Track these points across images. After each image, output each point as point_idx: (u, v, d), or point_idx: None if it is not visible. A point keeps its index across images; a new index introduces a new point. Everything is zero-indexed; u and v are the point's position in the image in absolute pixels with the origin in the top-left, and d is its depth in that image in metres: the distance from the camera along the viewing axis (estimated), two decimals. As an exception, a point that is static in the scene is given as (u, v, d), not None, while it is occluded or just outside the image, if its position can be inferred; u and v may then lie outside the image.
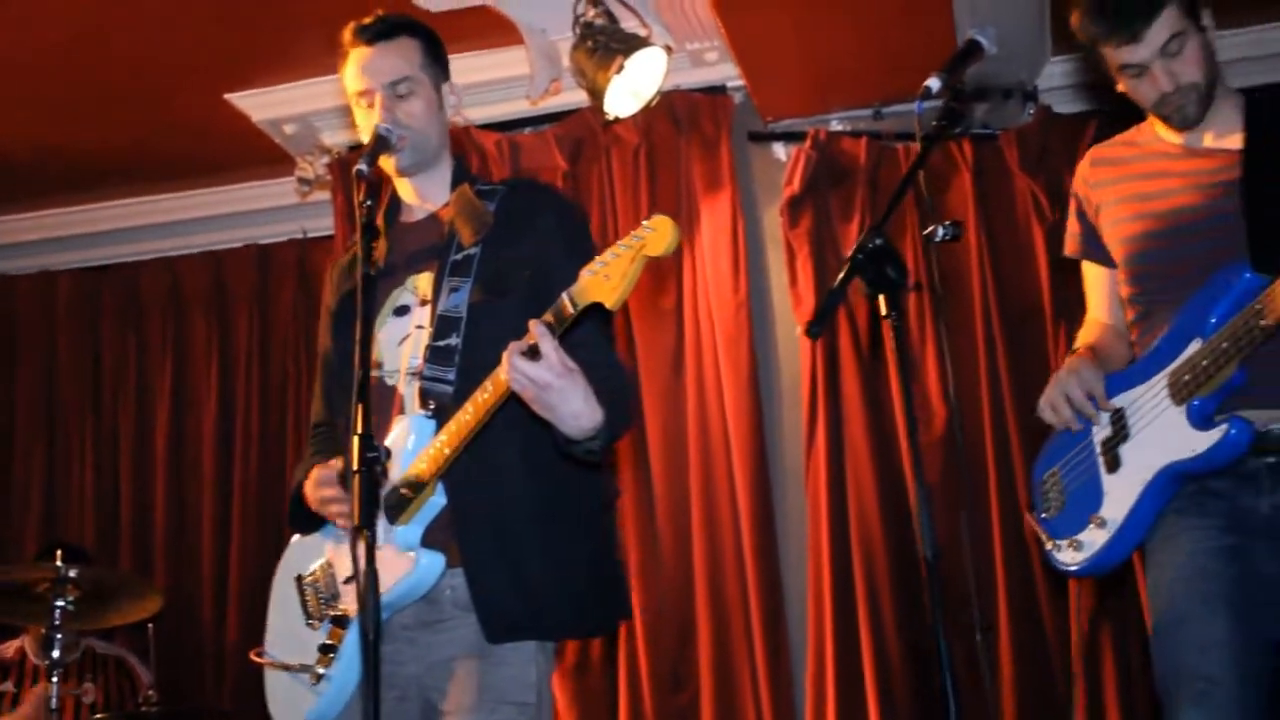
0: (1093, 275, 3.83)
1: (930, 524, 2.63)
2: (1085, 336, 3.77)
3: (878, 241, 2.77)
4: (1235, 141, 3.46)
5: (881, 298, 2.78)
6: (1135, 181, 3.61)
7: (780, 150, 6.33)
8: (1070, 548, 3.53)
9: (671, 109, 6.26)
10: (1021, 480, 5.56)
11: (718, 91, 6.33)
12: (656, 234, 2.75)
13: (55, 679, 5.03)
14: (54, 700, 5.01)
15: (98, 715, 5.66)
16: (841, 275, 2.81)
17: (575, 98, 6.32)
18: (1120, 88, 3.56)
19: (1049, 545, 3.60)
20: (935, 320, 5.86)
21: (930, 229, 2.99)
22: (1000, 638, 5.52)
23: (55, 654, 5.06)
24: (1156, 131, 3.63)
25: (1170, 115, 3.48)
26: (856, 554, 5.68)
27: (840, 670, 5.58)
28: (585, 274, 2.81)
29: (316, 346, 3.65)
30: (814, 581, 5.73)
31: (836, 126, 6.26)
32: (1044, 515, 3.68)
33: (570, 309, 2.83)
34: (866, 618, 5.59)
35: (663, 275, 6.16)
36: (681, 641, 5.85)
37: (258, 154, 7.01)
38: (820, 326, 2.95)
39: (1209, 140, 3.52)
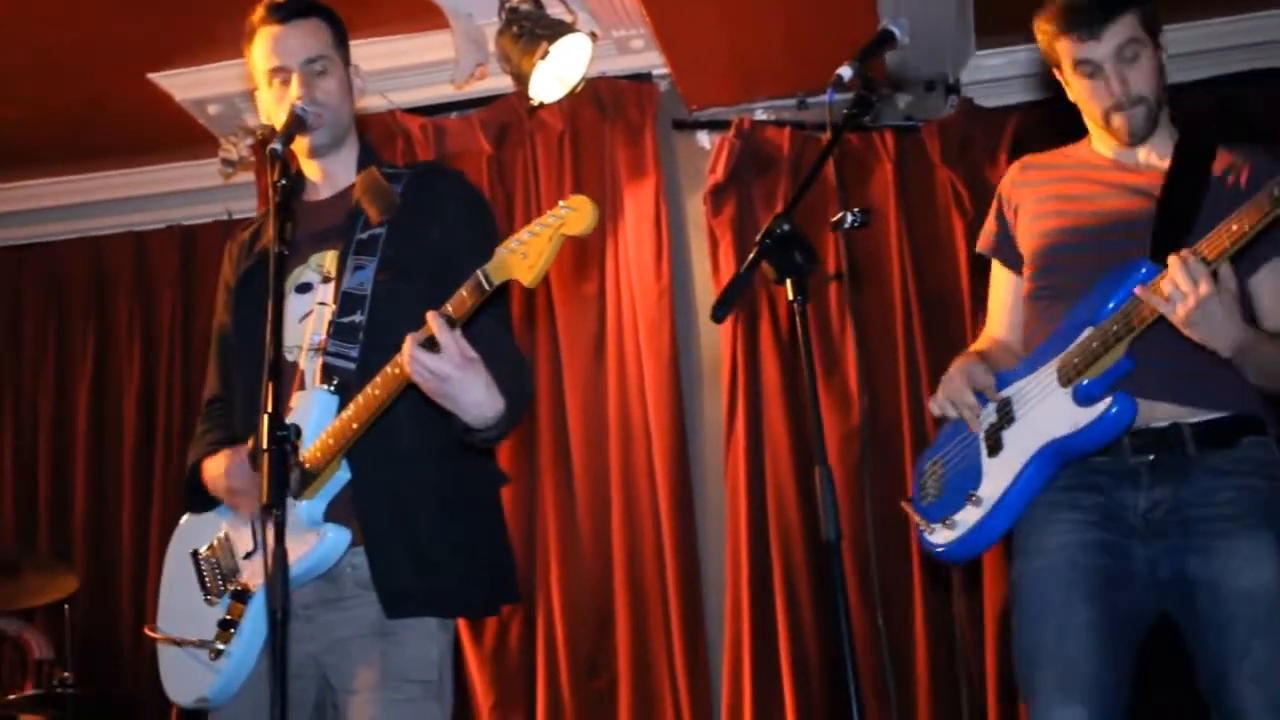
0: (999, 279, 3.85)
1: (834, 504, 2.67)
2: (977, 346, 3.80)
3: (785, 227, 2.81)
4: (1163, 163, 3.49)
5: (789, 282, 2.81)
6: (1061, 184, 3.65)
7: (704, 139, 6.35)
8: (944, 527, 3.55)
9: (597, 96, 6.26)
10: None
11: (643, 79, 6.33)
12: (576, 213, 2.77)
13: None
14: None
15: (11, 696, 5.64)
16: (749, 259, 2.84)
17: (501, 83, 6.29)
18: (1071, 93, 3.59)
19: (923, 528, 3.63)
20: (854, 311, 5.90)
21: (839, 215, 3.01)
22: (915, 623, 5.57)
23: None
24: (1091, 146, 3.66)
25: (1118, 125, 3.51)
26: (774, 543, 5.72)
27: (756, 658, 5.62)
28: (502, 251, 2.83)
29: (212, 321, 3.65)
30: (732, 570, 5.77)
31: (761, 116, 6.27)
32: (920, 502, 3.71)
33: (486, 285, 2.85)
34: (783, 607, 5.63)
35: (586, 261, 6.17)
36: (600, 628, 5.87)
37: (182, 134, 6.94)
38: (725, 309, 2.99)
39: (1141, 157, 3.55)
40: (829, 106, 3.10)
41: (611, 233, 6.16)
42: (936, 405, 3.63)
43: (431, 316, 2.84)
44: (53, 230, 7.70)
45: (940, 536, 3.57)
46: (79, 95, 6.57)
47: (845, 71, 3.16)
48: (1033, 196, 3.69)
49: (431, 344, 2.83)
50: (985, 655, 5.49)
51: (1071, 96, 3.60)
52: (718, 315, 3.01)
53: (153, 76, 6.49)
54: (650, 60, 6.28)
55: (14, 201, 7.66)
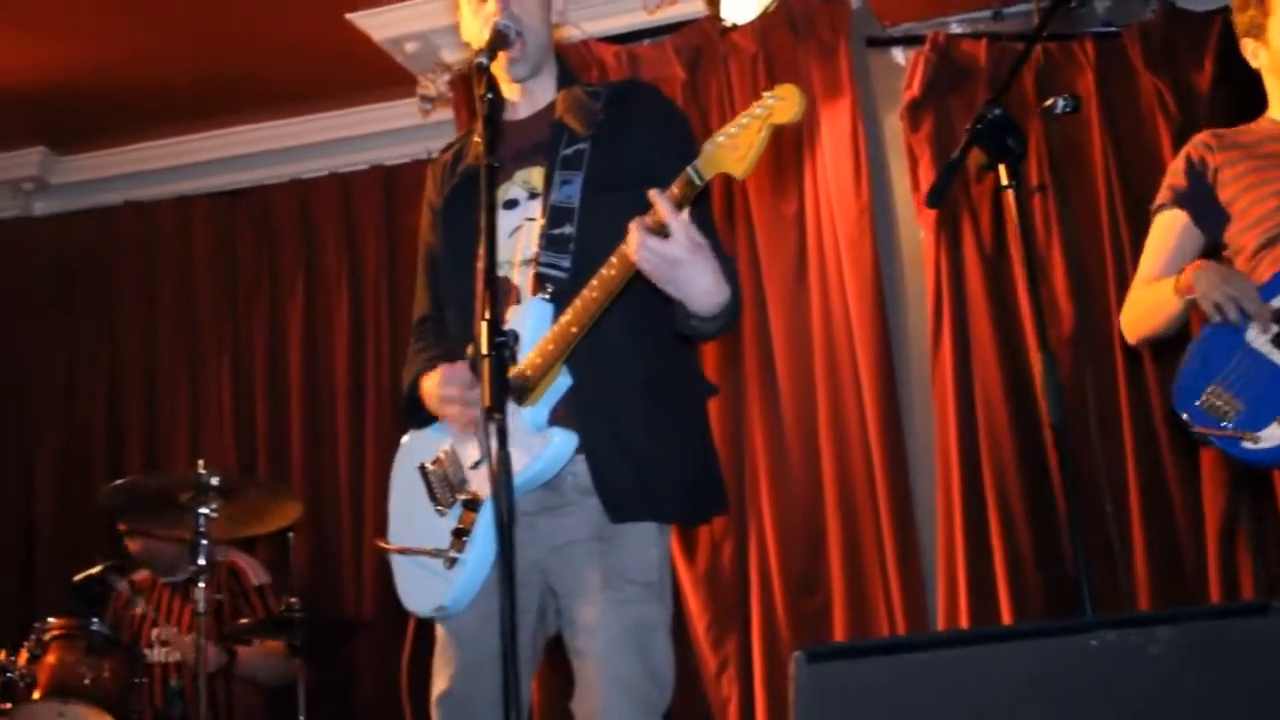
0: (1174, 225, 3.88)
1: (1057, 389, 2.64)
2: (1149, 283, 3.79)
3: (996, 111, 2.79)
4: None
5: (1001, 167, 2.79)
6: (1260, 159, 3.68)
7: (899, 55, 6.30)
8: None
9: (789, 16, 6.23)
10: (1150, 373, 5.55)
11: (835, -3, 6.30)
12: (783, 102, 2.77)
13: (202, 584, 5.14)
14: (201, 604, 5.14)
15: (243, 621, 5.81)
16: (961, 145, 2.83)
17: (692, 8, 6.32)
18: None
19: (1246, 441, 3.58)
20: (1060, 222, 5.82)
21: (1050, 101, 2.98)
22: (1131, 520, 5.51)
23: (201, 561, 5.16)
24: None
25: None
26: (984, 453, 5.69)
27: (971, 567, 5.60)
28: (708, 146, 2.84)
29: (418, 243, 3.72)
30: (942, 482, 5.75)
31: (956, 29, 6.20)
32: (1224, 424, 3.67)
33: (697, 180, 2.86)
34: (995, 511, 5.60)
35: (784, 182, 6.17)
36: (812, 546, 5.90)
37: (381, 74, 7.07)
38: (940, 196, 2.98)
39: None
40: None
41: (809, 153, 6.15)
42: (1211, 302, 3.59)
43: (657, 198, 2.83)
44: (261, 175, 7.91)
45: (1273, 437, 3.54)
46: (282, 39, 6.73)
47: (1044, -42, 3.12)
48: (1234, 169, 3.73)
49: (661, 230, 2.84)
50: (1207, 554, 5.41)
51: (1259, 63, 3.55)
52: (932, 201, 3.02)
53: (351, 17, 6.62)
54: (842, -23, 6.24)
55: (223, 148, 7.90)
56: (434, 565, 3.33)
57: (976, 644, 2.15)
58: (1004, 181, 2.81)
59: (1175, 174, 3.84)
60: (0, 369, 8.00)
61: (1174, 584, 5.42)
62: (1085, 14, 6.00)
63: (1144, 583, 5.43)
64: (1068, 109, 2.94)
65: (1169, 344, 3.94)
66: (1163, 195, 3.86)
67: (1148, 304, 3.89)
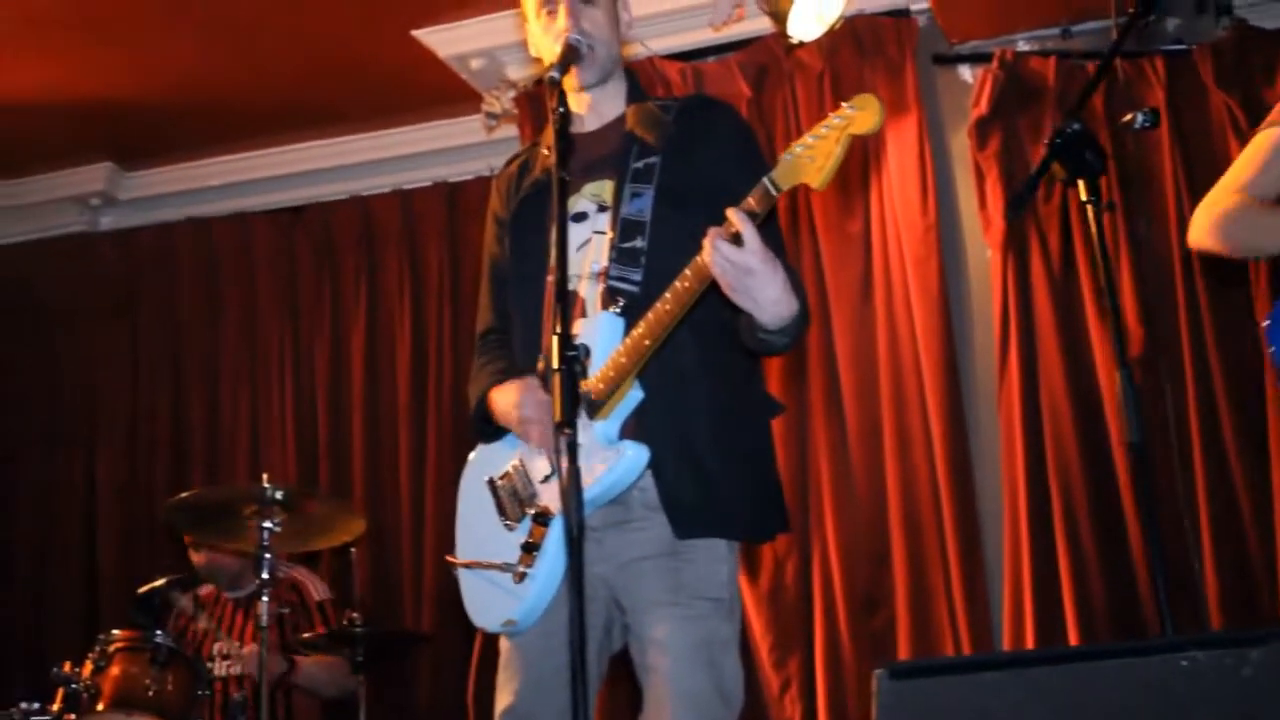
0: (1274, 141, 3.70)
1: (1137, 409, 2.60)
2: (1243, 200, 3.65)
3: (1075, 126, 2.76)
4: None
5: (1080, 183, 2.76)
6: None
7: (966, 72, 6.26)
8: None
9: (855, 34, 6.21)
10: (1221, 391, 5.51)
11: (901, 15, 6.27)
12: (863, 112, 2.75)
13: (265, 598, 5.15)
14: (264, 618, 5.14)
15: (305, 635, 5.81)
16: (1042, 159, 2.80)
17: (758, 25, 6.31)
18: None
19: None
20: (1130, 240, 5.76)
21: (1129, 116, 2.95)
22: (1203, 540, 5.43)
23: (264, 575, 5.18)
24: None
25: None
26: (1051, 469, 5.63)
27: (1038, 587, 5.53)
28: (786, 157, 2.82)
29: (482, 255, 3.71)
30: (1009, 499, 5.69)
31: (1023, 47, 6.16)
32: None
33: (774, 191, 2.85)
34: (1063, 530, 5.54)
35: (850, 200, 6.15)
36: (876, 563, 5.85)
37: (445, 91, 7.09)
38: (1019, 210, 2.95)
39: None
40: (1112, 6, 3.01)
41: (875, 170, 6.12)
42: None
43: (733, 212, 2.83)
44: (324, 191, 7.94)
45: None
46: (346, 57, 6.77)
47: (1132, -30, 3.08)
48: None
49: (735, 239, 2.83)
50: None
51: None
52: (1012, 213, 2.99)
53: (416, 34, 6.64)
54: (909, -6, 6.22)
55: (286, 165, 7.94)
56: (503, 580, 3.32)
57: (1063, 663, 2.12)
58: (1083, 197, 2.77)
59: None
60: (65, 382, 8.07)
61: (1246, 605, 5.34)
62: (1156, 32, 5.95)
63: (1215, 602, 5.35)
64: (1146, 124, 2.90)
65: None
66: (1269, 119, 3.73)
67: (1258, 225, 3.70)
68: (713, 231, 2.86)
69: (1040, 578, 5.55)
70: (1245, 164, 3.74)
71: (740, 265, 2.84)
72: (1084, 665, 2.09)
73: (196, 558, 6.10)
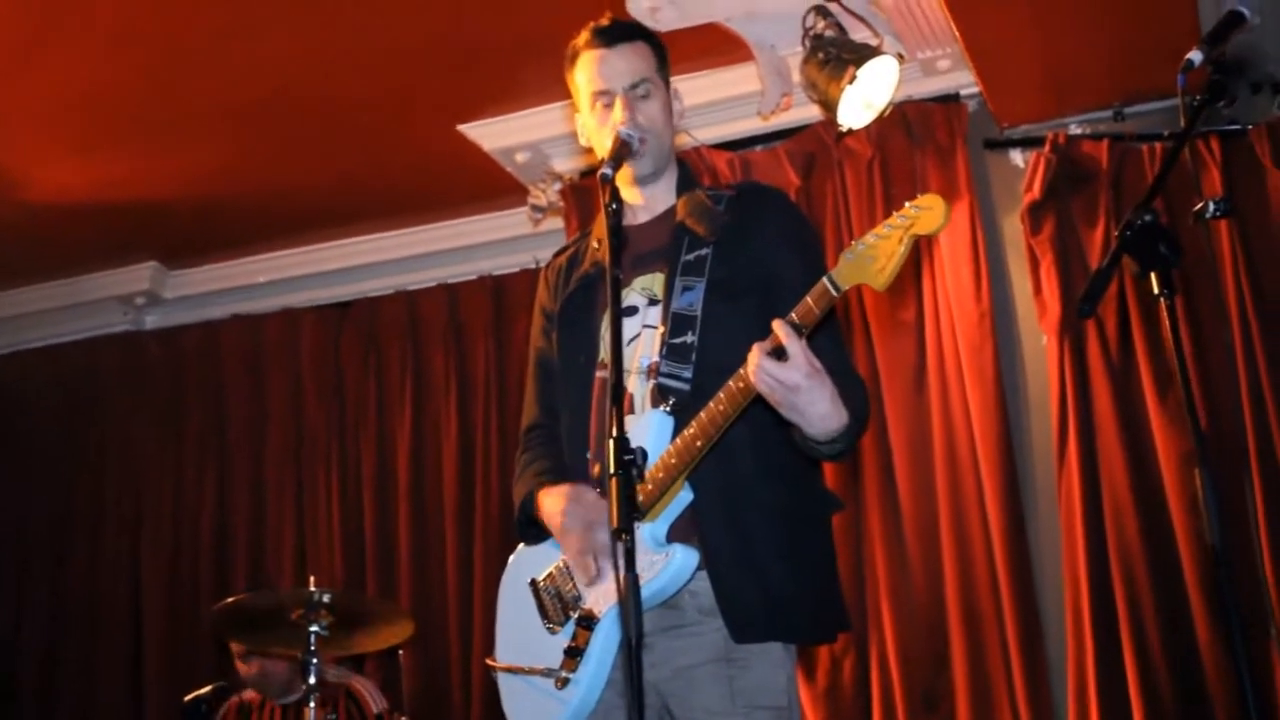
0: None
1: (1218, 509, 2.48)
2: None
3: (1147, 218, 2.68)
4: None
5: (1154, 276, 2.67)
6: None
7: (1018, 156, 6.20)
8: None
9: (904, 119, 6.16)
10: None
11: (951, 100, 6.22)
12: (928, 212, 2.68)
13: (313, 704, 5.05)
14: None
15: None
16: (1112, 252, 2.71)
17: (806, 113, 6.28)
18: None
19: None
20: (1190, 326, 5.65)
21: (1200, 204, 2.85)
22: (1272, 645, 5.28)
23: (311, 680, 5.09)
24: None
25: None
26: (1115, 567, 5.49)
27: (1103, 688, 5.38)
28: (847, 256, 2.74)
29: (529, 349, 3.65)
30: (1071, 596, 5.55)
31: (1075, 130, 6.10)
32: None
33: (834, 292, 2.76)
34: (1128, 632, 5.39)
35: (903, 287, 6.06)
36: (935, 660, 5.72)
37: (490, 185, 7.08)
38: (1092, 305, 2.85)
39: None
40: (1180, 90, 2.93)
41: (927, 257, 6.04)
42: None
43: (779, 325, 2.77)
44: (370, 286, 7.93)
45: None
46: (391, 153, 6.77)
47: (1195, 56, 3.01)
48: None
49: (779, 353, 2.76)
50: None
51: None
52: (1084, 311, 2.87)
53: (462, 128, 6.63)
54: (958, 80, 6.18)
55: (333, 260, 7.96)
56: (545, 685, 3.23)
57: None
58: (1155, 290, 2.67)
59: None
60: (110, 483, 8.05)
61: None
62: (1212, 112, 5.85)
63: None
64: (1219, 213, 2.81)
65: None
66: None
67: None
68: (756, 346, 2.80)
69: (1105, 677, 5.40)
70: None
71: (786, 383, 2.78)
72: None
73: (244, 668, 5.99)
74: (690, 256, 3.29)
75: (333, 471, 7.61)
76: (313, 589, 5.13)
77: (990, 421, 5.75)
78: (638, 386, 3.23)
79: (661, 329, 3.22)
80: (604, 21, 3.42)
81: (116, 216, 7.26)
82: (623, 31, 3.41)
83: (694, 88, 6.18)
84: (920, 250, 6.04)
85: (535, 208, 6.99)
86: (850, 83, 5.52)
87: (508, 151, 6.74)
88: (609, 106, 3.34)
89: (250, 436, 7.87)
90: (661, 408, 3.12)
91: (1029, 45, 5.55)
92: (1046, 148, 5.97)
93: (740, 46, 5.96)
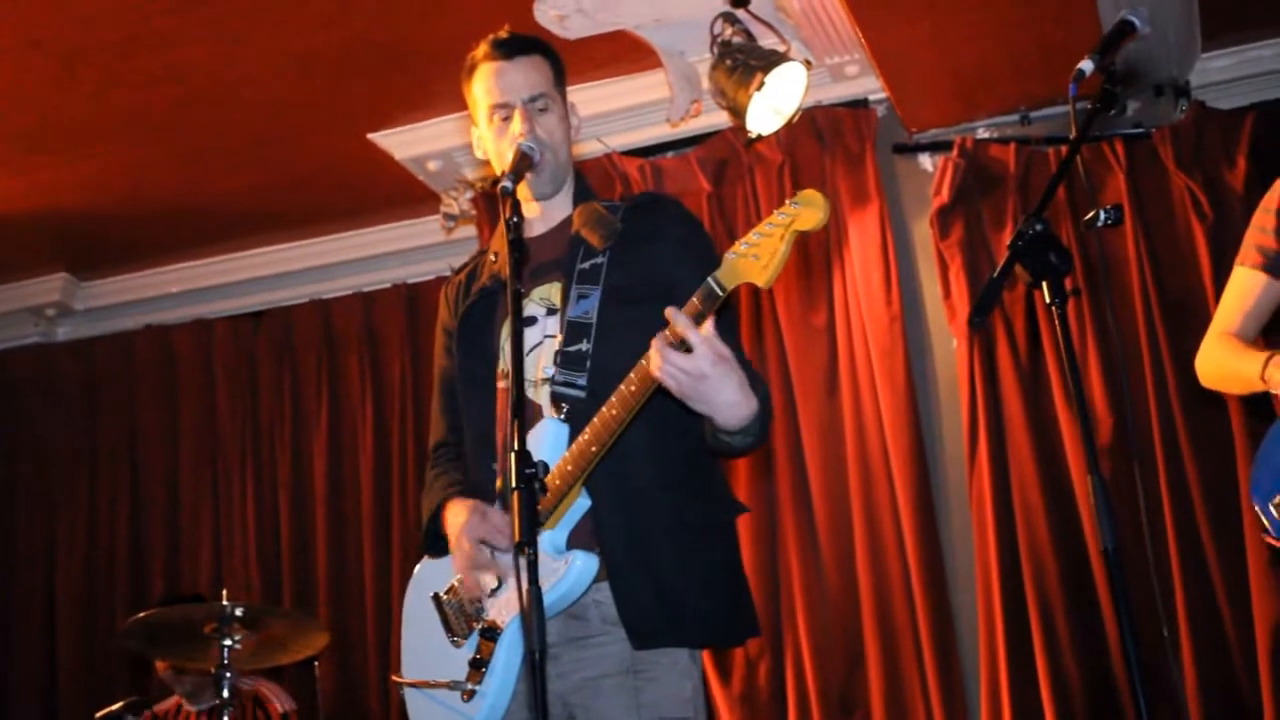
0: (1252, 284, 3.82)
1: (1110, 514, 2.53)
2: (1221, 343, 3.74)
3: (1038, 227, 2.71)
4: None
5: (1045, 285, 2.71)
6: None
7: (926, 161, 6.25)
8: None
9: (814, 125, 6.20)
10: (1193, 479, 5.45)
11: (860, 105, 6.26)
12: (807, 208, 2.68)
13: (227, 718, 5.03)
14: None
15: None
16: (1003, 263, 2.74)
17: (716, 119, 6.30)
18: None
19: None
20: (1095, 327, 5.72)
21: (1091, 213, 2.89)
22: (1181, 640, 5.35)
23: (225, 694, 5.06)
24: None
25: None
26: (1025, 564, 5.55)
27: (1014, 683, 5.45)
28: (730, 256, 2.75)
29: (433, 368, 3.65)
30: (983, 595, 5.61)
31: (983, 134, 6.16)
32: None
33: (718, 292, 2.77)
34: (1039, 628, 5.46)
35: (813, 292, 6.10)
36: (850, 661, 5.76)
37: (403, 193, 7.07)
38: (983, 316, 2.89)
39: None
40: (1071, 101, 2.96)
41: (838, 262, 6.09)
42: None
43: (674, 315, 2.75)
44: (283, 295, 7.89)
45: None
46: (303, 161, 6.74)
47: (1086, 66, 3.04)
48: None
49: (682, 345, 2.75)
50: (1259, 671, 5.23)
51: None
52: (976, 323, 2.91)
53: (373, 137, 6.61)
54: (866, 86, 6.22)
55: (246, 269, 7.91)
56: (450, 699, 3.22)
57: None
58: (1048, 299, 2.71)
59: (1265, 231, 3.75)
60: (24, 496, 7.95)
61: (1227, 704, 5.26)
62: (1116, 116, 5.94)
63: (1195, 702, 5.26)
64: (1109, 221, 2.84)
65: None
66: (1249, 254, 3.78)
67: (1229, 371, 3.78)
68: (658, 338, 2.78)
69: (1016, 674, 5.47)
70: (1226, 306, 3.86)
71: (692, 372, 2.75)
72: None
73: (160, 665, 5.97)
74: (586, 265, 3.28)
75: (248, 482, 7.56)
76: (225, 602, 5.10)
77: (901, 424, 5.80)
78: (542, 397, 3.21)
79: (558, 337, 3.22)
80: (502, 34, 3.39)
81: (25, 227, 7.18)
82: (521, 44, 3.38)
83: (603, 94, 6.21)
84: (830, 255, 6.09)
85: (448, 216, 6.98)
86: (758, 89, 5.54)
87: (419, 160, 6.72)
88: (507, 120, 3.32)
89: (164, 447, 7.80)
90: (556, 415, 3.12)
91: (934, 51, 5.58)
92: (954, 152, 6.03)
93: (649, 53, 5.97)
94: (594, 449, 2.98)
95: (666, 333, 2.77)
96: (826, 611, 5.83)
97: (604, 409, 2.96)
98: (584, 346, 3.17)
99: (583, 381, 3.13)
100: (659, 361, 2.77)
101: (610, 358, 3.08)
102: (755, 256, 2.72)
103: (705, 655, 3.32)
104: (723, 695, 5.82)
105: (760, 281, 2.73)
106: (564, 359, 3.17)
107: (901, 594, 5.68)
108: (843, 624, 5.79)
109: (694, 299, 2.79)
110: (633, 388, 2.90)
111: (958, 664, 5.59)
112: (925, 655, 5.57)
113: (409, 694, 3.38)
